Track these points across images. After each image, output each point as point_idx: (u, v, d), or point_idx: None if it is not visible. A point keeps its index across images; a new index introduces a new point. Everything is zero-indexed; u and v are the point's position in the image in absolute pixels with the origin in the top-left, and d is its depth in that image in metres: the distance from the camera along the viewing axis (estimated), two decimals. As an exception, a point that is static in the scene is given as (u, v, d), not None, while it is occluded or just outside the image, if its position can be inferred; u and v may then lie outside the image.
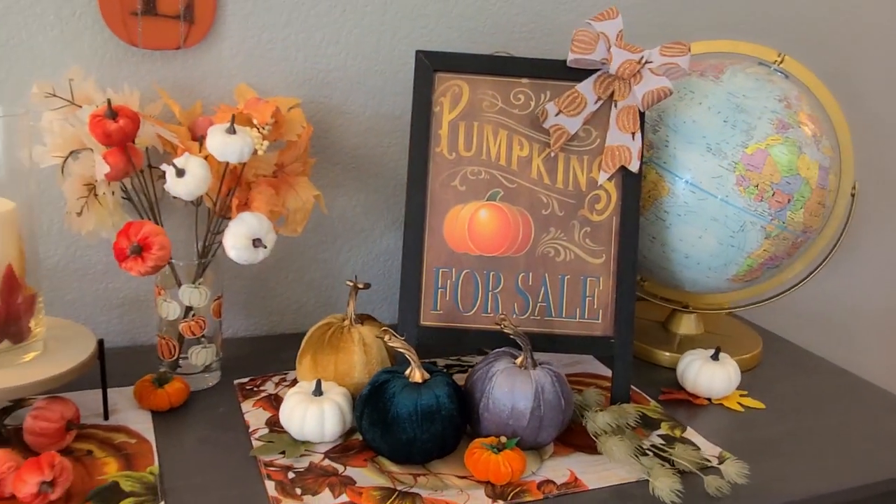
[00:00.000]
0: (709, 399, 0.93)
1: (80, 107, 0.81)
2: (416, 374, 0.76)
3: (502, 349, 0.82)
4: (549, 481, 0.75)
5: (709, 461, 0.79)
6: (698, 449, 0.81)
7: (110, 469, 0.72)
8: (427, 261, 0.87)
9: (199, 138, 0.87)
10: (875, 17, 1.37)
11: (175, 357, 0.88)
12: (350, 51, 1.01)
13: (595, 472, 0.76)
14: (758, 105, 0.92)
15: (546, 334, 0.87)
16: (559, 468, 0.77)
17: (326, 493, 0.71)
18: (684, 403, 0.92)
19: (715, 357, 0.93)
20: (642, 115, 0.88)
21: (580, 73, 0.88)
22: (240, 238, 0.80)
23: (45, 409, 0.73)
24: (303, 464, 0.75)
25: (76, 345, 0.77)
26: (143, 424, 0.80)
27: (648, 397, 0.93)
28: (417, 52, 0.89)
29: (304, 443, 0.78)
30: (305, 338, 0.87)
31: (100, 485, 0.70)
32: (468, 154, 0.88)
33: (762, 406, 0.93)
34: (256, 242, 0.80)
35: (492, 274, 0.88)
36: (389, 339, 0.76)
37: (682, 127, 0.94)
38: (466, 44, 1.06)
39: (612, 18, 0.87)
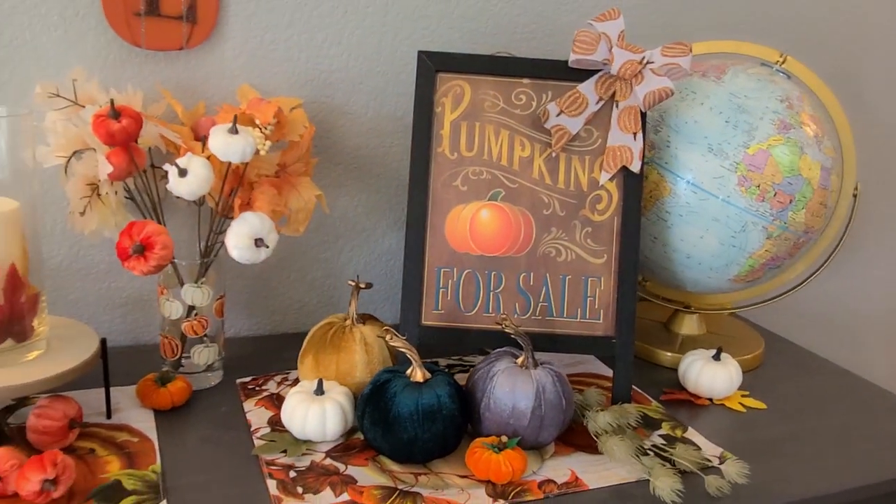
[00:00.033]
0: (710, 399, 0.93)
1: (84, 107, 0.81)
2: (418, 374, 0.76)
3: (503, 349, 0.82)
4: (549, 481, 0.75)
5: (710, 461, 0.79)
6: (699, 449, 0.81)
7: (112, 467, 0.72)
8: (429, 261, 0.87)
9: (202, 138, 0.87)
10: (877, 18, 1.37)
11: (177, 356, 0.88)
12: (352, 51, 1.02)
13: (596, 472, 0.76)
14: (759, 105, 0.92)
15: (547, 334, 0.87)
16: (560, 468, 0.77)
17: (328, 491, 0.71)
18: (686, 404, 0.92)
19: (717, 357, 0.93)
20: (644, 115, 0.88)
21: (582, 74, 0.88)
22: (242, 238, 0.80)
23: (48, 408, 0.73)
24: (304, 463, 0.75)
25: (79, 344, 0.77)
26: (145, 423, 0.80)
27: (650, 397, 0.93)
28: (419, 52, 0.89)
29: (305, 442, 0.78)
30: (307, 337, 0.87)
31: (102, 483, 0.70)
32: (470, 154, 0.88)
33: (764, 406, 0.93)
34: (259, 242, 0.81)
35: (493, 274, 0.88)
36: (391, 339, 0.77)
37: (683, 127, 0.94)
38: (468, 44, 1.07)
39: (614, 19, 0.87)
